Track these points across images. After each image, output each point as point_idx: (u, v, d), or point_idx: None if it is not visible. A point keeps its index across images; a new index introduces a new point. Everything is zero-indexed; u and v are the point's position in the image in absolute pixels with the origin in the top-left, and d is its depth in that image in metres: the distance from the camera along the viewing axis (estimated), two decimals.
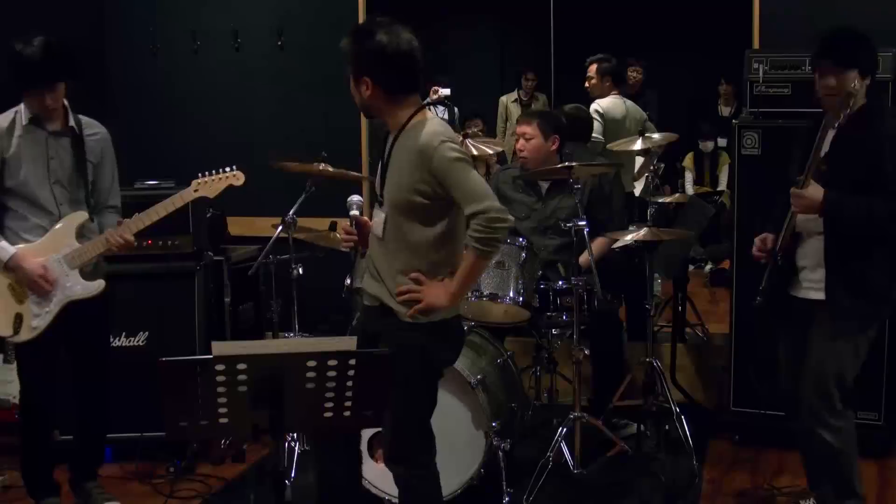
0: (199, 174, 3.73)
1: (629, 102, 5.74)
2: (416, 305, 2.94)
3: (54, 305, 3.62)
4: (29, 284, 3.58)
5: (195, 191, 3.71)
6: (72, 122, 3.68)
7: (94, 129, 3.76)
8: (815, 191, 3.26)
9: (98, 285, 3.70)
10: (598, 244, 4.33)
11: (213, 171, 3.73)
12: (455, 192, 2.89)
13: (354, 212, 3.11)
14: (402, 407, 2.96)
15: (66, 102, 3.66)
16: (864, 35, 3.36)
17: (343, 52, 2.95)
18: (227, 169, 3.75)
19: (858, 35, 3.35)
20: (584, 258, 3.99)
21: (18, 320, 3.60)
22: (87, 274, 3.69)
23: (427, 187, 2.90)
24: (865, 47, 3.34)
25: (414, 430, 3.05)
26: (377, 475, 3.67)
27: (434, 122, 2.98)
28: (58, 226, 3.63)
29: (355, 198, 3.33)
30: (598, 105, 5.61)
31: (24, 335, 3.61)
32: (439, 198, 2.92)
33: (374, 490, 3.76)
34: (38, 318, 3.61)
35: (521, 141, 4.47)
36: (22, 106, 3.63)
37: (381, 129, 3.16)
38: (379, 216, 3.02)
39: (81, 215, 3.67)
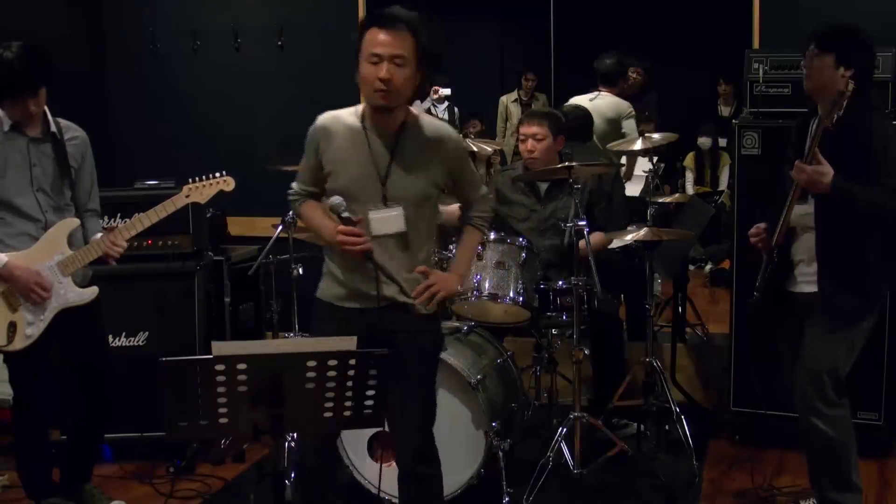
0: (191, 179, 3.69)
1: (602, 100, 5.45)
2: (437, 297, 2.96)
3: (48, 313, 3.57)
4: (24, 293, 3.51)
5: (187, 196, 3.66)
6: (53, 128, 3.61)
7: (73, 133, 3.69)
8: (822, 167, 3.21)
9: (92, 292, 3.65)
10: (596, 237, 4.30)
11: (205, 177, 3.69)
12: (465, 181, 3.08)
13: (347, 213, 2.95)
14: (430, 401, 3.04)
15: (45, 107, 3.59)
16: (856, 31, 3.35)
17: (419, 40, 2.82)
18: (218, 174, 3.69)
19: (846, 27, 3.36)
20: (582, 245, 3.95)
21: (12, 329, 3.53)
22: (77, 280, 3.64)
23: (442, 179, 3.02)
24: (847, 37, 3.32)
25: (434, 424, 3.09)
26: (377, 475, 3.66)
27: (430, 117, 3.11)
28: (48, 233, 3.57)
29: (338, 198, 3.04)
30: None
31: (18, 344, 3.54)
32: (445, 189, 3.06)
33: (374, 490, 3.75)
34: (32, 325, 3.55)
35: (531, 142, 4.41)
36: (1, 113, 3.54)
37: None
38: (388, 212, 2.94)
39: (73, 222, 3.62)
